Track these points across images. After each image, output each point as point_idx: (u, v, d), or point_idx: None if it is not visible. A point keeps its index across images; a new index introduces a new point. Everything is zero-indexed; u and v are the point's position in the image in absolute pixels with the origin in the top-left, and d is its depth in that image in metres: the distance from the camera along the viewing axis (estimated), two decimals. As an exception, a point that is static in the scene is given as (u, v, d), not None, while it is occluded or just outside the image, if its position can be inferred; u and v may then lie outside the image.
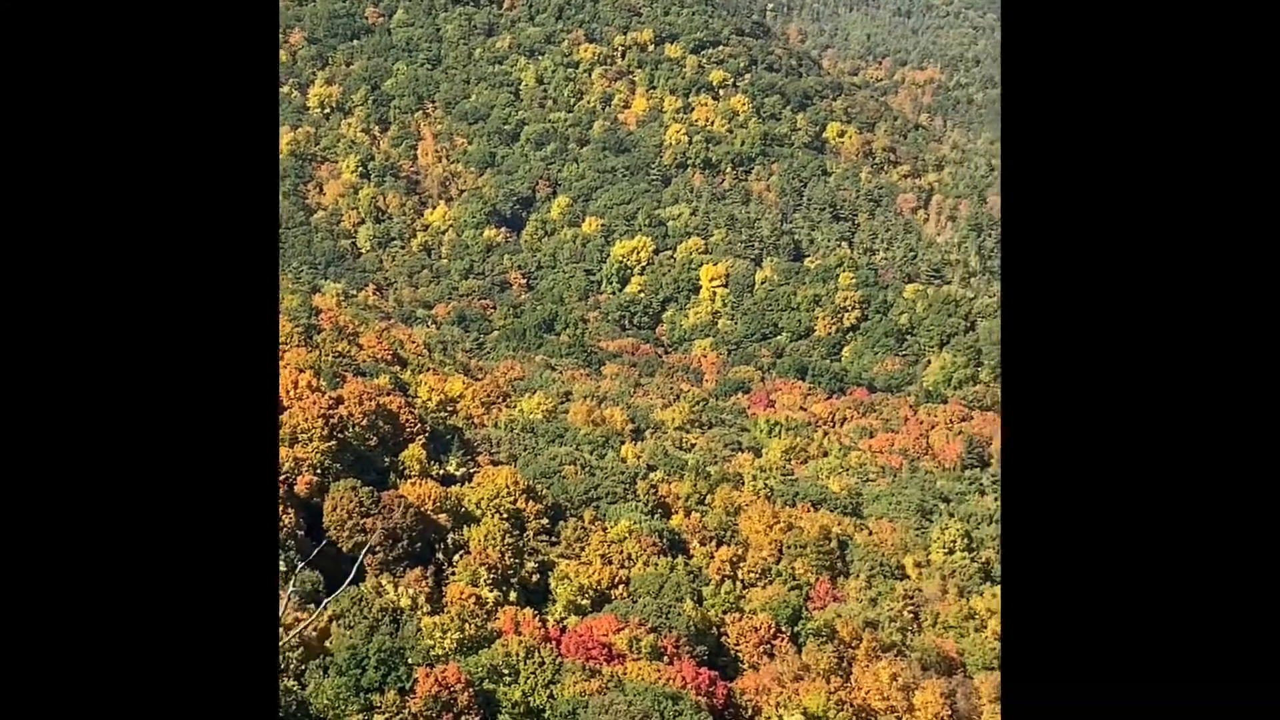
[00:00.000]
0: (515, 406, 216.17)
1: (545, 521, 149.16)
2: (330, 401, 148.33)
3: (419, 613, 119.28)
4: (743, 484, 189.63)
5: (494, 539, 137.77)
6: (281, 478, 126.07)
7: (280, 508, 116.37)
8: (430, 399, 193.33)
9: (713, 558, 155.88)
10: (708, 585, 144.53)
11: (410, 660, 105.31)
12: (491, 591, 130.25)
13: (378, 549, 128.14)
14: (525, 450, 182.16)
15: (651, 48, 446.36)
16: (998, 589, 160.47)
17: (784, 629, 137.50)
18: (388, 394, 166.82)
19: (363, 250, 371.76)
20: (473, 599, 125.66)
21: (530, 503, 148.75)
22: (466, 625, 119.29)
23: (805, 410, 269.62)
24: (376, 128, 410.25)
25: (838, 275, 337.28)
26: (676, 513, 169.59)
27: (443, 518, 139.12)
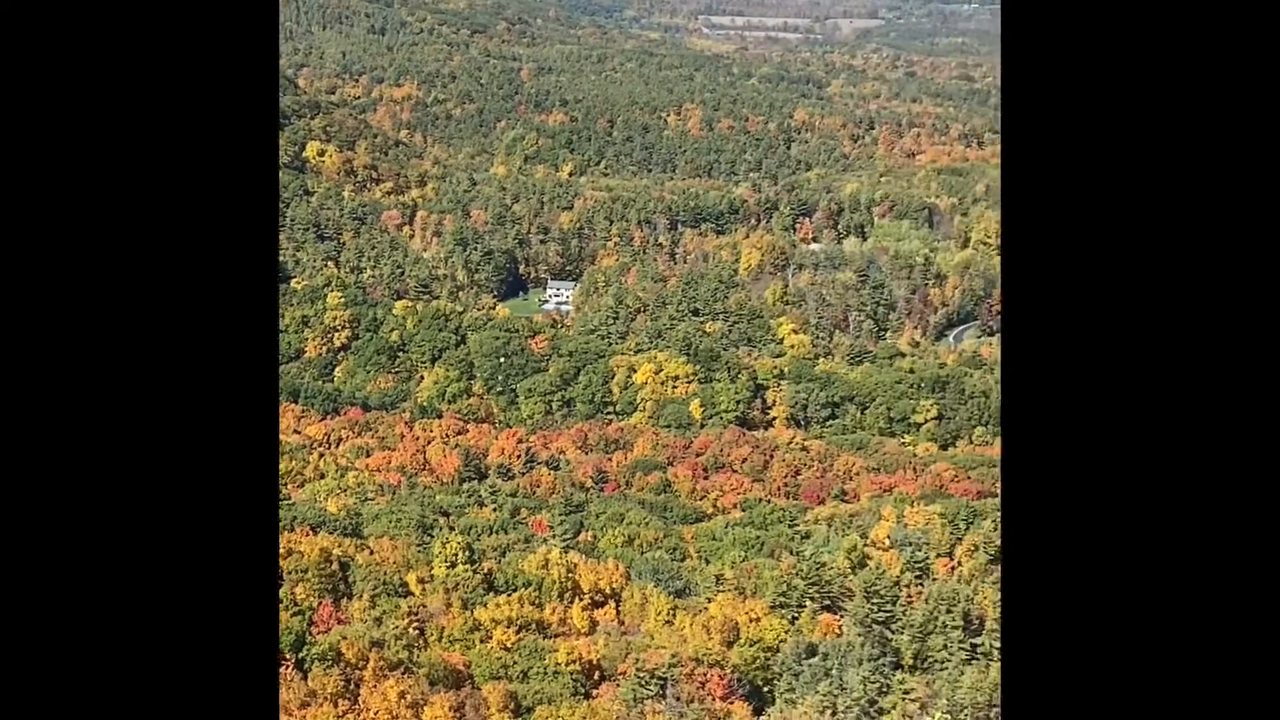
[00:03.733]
0: None
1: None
2: None
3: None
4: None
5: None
6: None
7: None
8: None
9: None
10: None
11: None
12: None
13: None
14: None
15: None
16: (501, 598, 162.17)
17: (288, 656, 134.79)
18: None
19: None
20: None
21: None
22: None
23: (299, 433, 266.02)
24: None
25: (326, 295, 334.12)
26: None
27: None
